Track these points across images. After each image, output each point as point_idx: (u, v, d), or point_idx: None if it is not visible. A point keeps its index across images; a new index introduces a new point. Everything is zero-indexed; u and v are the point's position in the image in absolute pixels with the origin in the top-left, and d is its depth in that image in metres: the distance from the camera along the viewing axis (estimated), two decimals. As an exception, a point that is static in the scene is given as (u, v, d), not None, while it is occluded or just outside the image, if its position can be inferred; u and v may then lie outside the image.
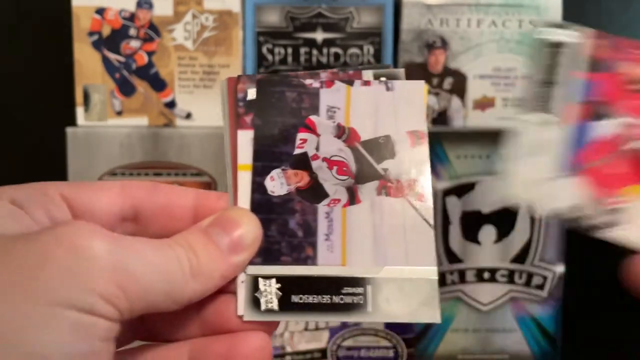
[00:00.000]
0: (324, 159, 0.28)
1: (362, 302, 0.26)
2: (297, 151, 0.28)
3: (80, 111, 0.62)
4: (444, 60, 0.62)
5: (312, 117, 0.28)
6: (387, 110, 0.28)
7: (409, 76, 0.29)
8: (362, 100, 0.28)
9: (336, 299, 0.26)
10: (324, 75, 0.29)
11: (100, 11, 0.61)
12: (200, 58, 0.62)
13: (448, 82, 0.63)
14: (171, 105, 0.62)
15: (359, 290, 0.26)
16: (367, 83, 0.29)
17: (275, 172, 0.28)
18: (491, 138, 0.62)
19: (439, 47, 0.62)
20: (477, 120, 0.63)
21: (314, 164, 0.28)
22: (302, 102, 0.29)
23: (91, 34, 0.61)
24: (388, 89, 0.29)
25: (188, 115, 0.63)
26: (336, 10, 0.62)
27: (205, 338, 0.26)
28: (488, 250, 0.62)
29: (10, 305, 0.20)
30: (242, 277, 0.26)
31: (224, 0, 0.61)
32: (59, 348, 0.20)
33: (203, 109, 0.62)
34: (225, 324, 0.26)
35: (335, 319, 0.27)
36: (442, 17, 0.62)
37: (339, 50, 0.62)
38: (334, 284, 0.26)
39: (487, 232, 0.62)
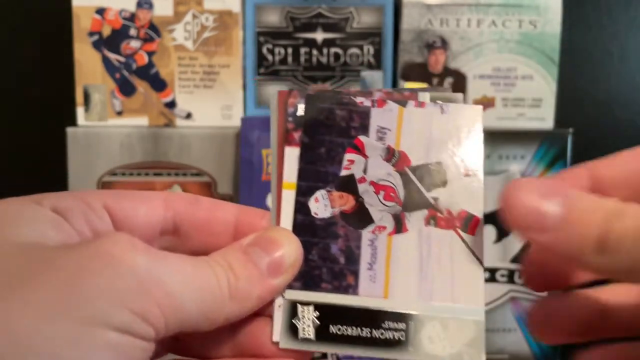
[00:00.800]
0: (371, 183, 0.27)
1: (403, 338, 0.25)
2: (343, 172, 0.27)
3: (80, 111, 0.62)
4: (444, 60, 0.62)
5: (361, 138, 0.27)
6: (441, 134, 0.27)
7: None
8: (414, 122, 0.27)
9: (376, 334, 0.25)
10: (377, 93, 0.27)
11: (101, 11, 0.61)
12: (201, 58, 0.62)
13: (448, 82, 0.63)
14: (171, 105, 0.62)
15: (401, 325, 0.25)
16: (421, 104, 0.27)
17: (320, 194, 0.26)
18: (491, 138, 0.62)
19: (439, 47, 0.62)
20: (477, 120, 0.63)
21: (360, 187, 0.27)
22: (351, 121, 0.27)
23: (91, 34, 0.61)
24: (443, 111, 0.27)
25: (188, 115, 0.63)
26: (336, 10, 0.62)
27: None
28: (488, 250, 0.62)
29: (48, 322, 0.19)
30: (279, 301, 0.25)
31: (224, 0, 0.61)
32: None
33: (203, 109, 0.63)
34: (259, 348, 0.25)
35: (373, 355, 0.25)
36: (442, 17, 0.62)
37: (339, 50, 0.62)
38: (375, 317, 0.25)
39: (487, 232, 0.62)
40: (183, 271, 0.22)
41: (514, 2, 0.62)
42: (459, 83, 0.63)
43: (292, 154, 0.27)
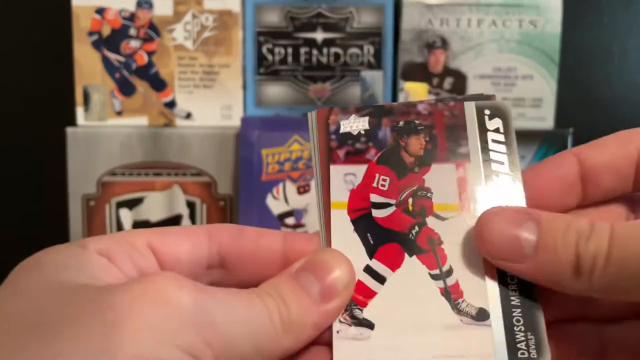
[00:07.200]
0: None
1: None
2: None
3: (80, 111, 0.62)
4: (444, 60, 0.62)
5: None
6: None
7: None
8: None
9: None
10: (421, 107, 0.27)
11: (100, 11, 0.61)
12: (200, 58, 0.62)
13: (448, 82, 0.63)
14: (171, 105, 0.62)
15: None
16: None
17: None
18: (491, 138, 0.62)
19: (439, 47, 0.62)
20: (477, 120, 0.63)
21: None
22: None
23: (91, 33, 0.61)
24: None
25: (188, 115, 0.63)
26: (336, 10, 0.62)
27: None
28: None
29: None
30: (337, 326, 0.24)
31: (224, 0, 0.61)
32: None
33: (203, 109, 0.62)
34: None
35: None
36: (442, 17, 0.62)
37: (339, 50, 0.62)
38: None
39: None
40: (232, 307, 0.21)
41: (514, 2, 0.62)
42: (459, 83, 0.63)
43: (338, 172, 0.27)
